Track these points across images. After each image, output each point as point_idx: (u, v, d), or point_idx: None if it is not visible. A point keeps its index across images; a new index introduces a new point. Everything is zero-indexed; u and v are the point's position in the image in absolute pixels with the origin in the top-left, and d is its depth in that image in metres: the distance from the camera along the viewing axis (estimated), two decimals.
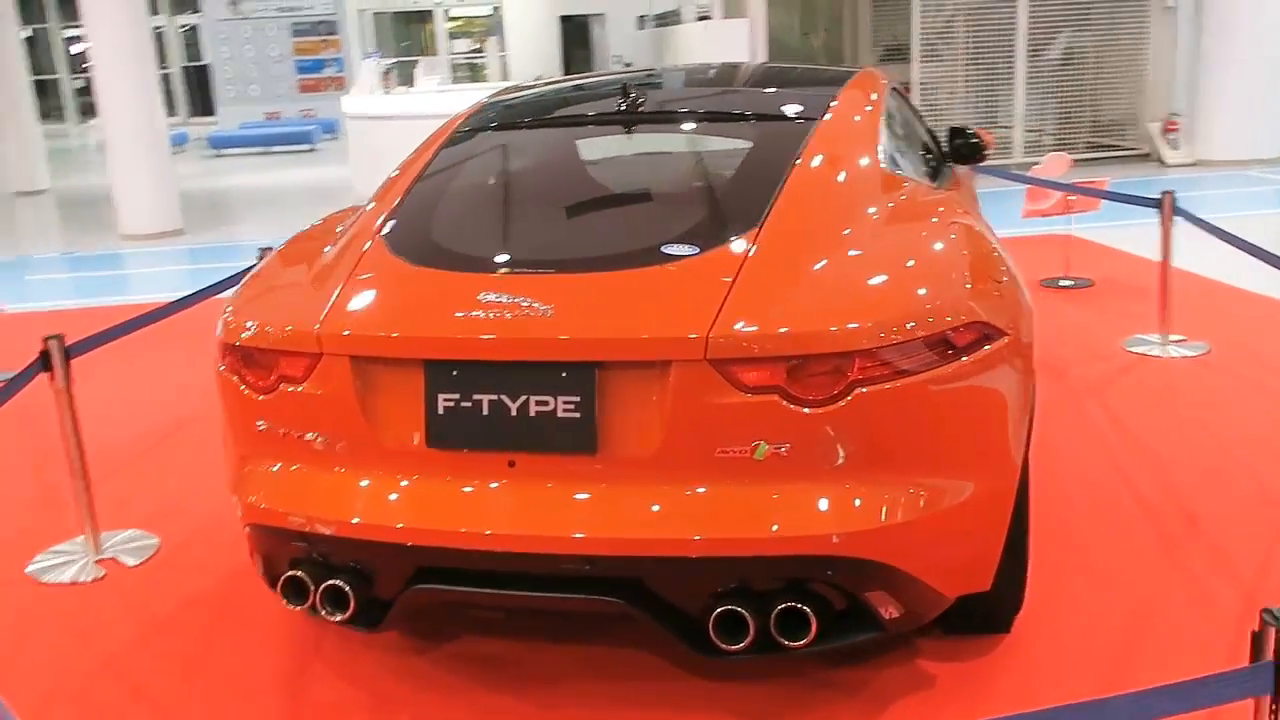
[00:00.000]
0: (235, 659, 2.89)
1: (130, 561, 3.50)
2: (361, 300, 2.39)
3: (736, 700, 2.60)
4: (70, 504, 3.55)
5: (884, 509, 2.21)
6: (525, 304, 2.22)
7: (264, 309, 2.46)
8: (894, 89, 3.90)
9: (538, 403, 2.19)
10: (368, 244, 2.59)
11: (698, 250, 2.35)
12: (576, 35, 18.05)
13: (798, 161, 2.70)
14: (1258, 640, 1.47)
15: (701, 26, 11.04)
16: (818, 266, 2.32)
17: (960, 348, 2.29)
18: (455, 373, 2.23)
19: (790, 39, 14.95)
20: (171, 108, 27.75)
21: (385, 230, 2.65)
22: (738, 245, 2.35)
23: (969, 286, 2.43)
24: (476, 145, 3.10)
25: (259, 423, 2.45)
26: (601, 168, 3.03)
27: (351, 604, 2.37)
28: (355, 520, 2.31)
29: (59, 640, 3.06)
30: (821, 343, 2.10)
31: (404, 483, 2.31)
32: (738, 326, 2.11)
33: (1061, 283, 6.56)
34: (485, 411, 2.22)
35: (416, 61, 17.02)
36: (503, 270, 2.37)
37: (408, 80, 17.02)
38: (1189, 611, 2.91)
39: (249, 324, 2.41)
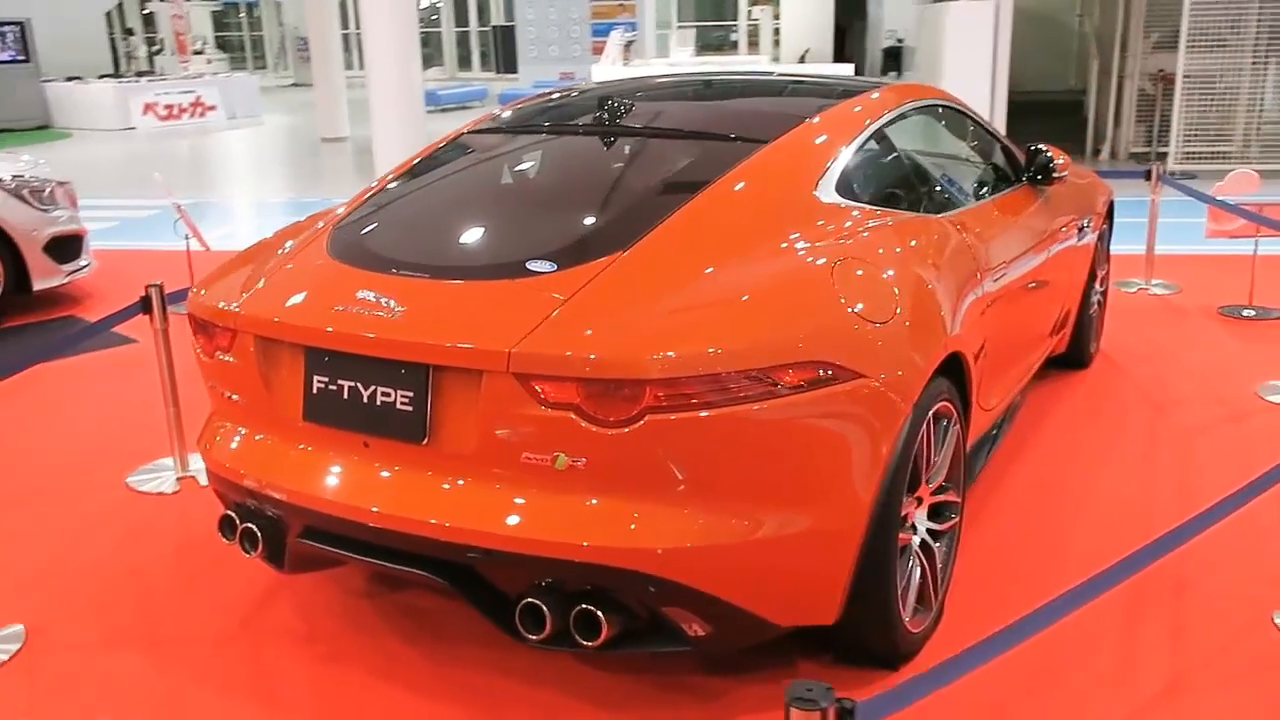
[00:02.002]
0: (229, 580, 3.37)
1: (204, 481, 4.09)
2: (276, 287, 2.74)
3: (593, 687, 2.77)
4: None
5: (677, 530, 2.31)
6: (385, 304, 2.49)
7: (217, 285, 2.86)
8: (938, 108, 3.82)
9: (382, 393, 2.46)
10: (316, 238, 2.94)
11: (555, 268, 2.51)
12: (853, 6, 17.67)
13: (708, 187, 2.78)
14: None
15: (949, 8, 10.63)
16: (656, 295, 2.42)
17: (785, 385, 2.32)
18: (326, 359, 2.54)
19: (1068, 20, 14.05)
20: (484, 64, 29.84)
21: (336, 225, 3.00)
22: (592, 267, 2.48)
23: (824, 325, 2.45)
24: (449, 153, 3.38)
25: (210, 382, 2.88)
26: (531, 181, 3.22)
27: (260, 546, 2.75)
28: (258, 478, 2.69)
29: (117, 540, 3.68)
30: (611, 369, 2.22)
31: (290, 450, 2.65)
32: (541, 345, 2.27)
33: (1244, 312, 5.98)
34: (345, 396, 2.51)
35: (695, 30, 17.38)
36: (392, 270, 2.64)
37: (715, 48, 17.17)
38: (1094, 699, 2.77)
39: (200, 296, 2.83)
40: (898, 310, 2.62)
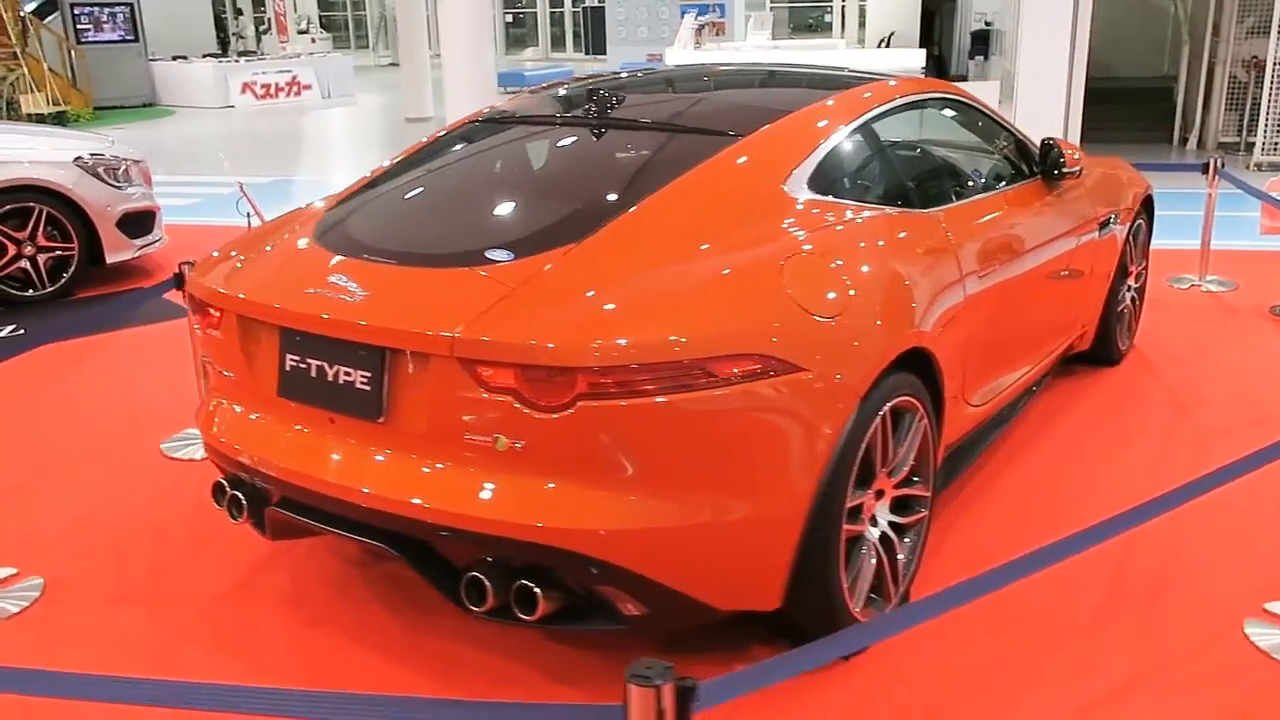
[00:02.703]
0: (236, 543, 3.55)
1: None
2: (260, 269, 2.90)
3: (549, 660, 2.89)
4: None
5: (613, 514, 2.39)
6: (351, 288, 2.62)
7: (212, 265, 3.04)
8: (941, 102, 3.80)
9: (344, 372, 2.60)
10: (308, 222, 3.10)
11: (512, 257, 2.62)
12: None
13: (672, 181, 2.85)
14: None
15: None
16: (602, 286, 2.50)
17: (721, 377, 2.39)
18: (298, 338, 2.68)
19: (1164, 4, 13.59)
20: (578, 45, 30.05)
21: (328, 211, 3.15)
22: (545, 258, 2.58)
23: (766, 319, 2.50)
24: (442, 143, 3.51)
25: (205, 358, 3.06)
26: (507, 173, 3.31)
27: (245, 513, 2.92)
28: (240, 449, 2.85)
29: (143, 502, 3.91)
30: (544, 356, 2.31)
31: (267, 424, 2.82)
32: (483, 332, 2.37)
33: None
34: (313, 374, 2.66)
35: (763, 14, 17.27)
36: (364, 256, 2.77)
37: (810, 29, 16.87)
38: (1046, 692, 2.79)
39: (196, 276, 3.00)
40: (848, 305, 2.66)
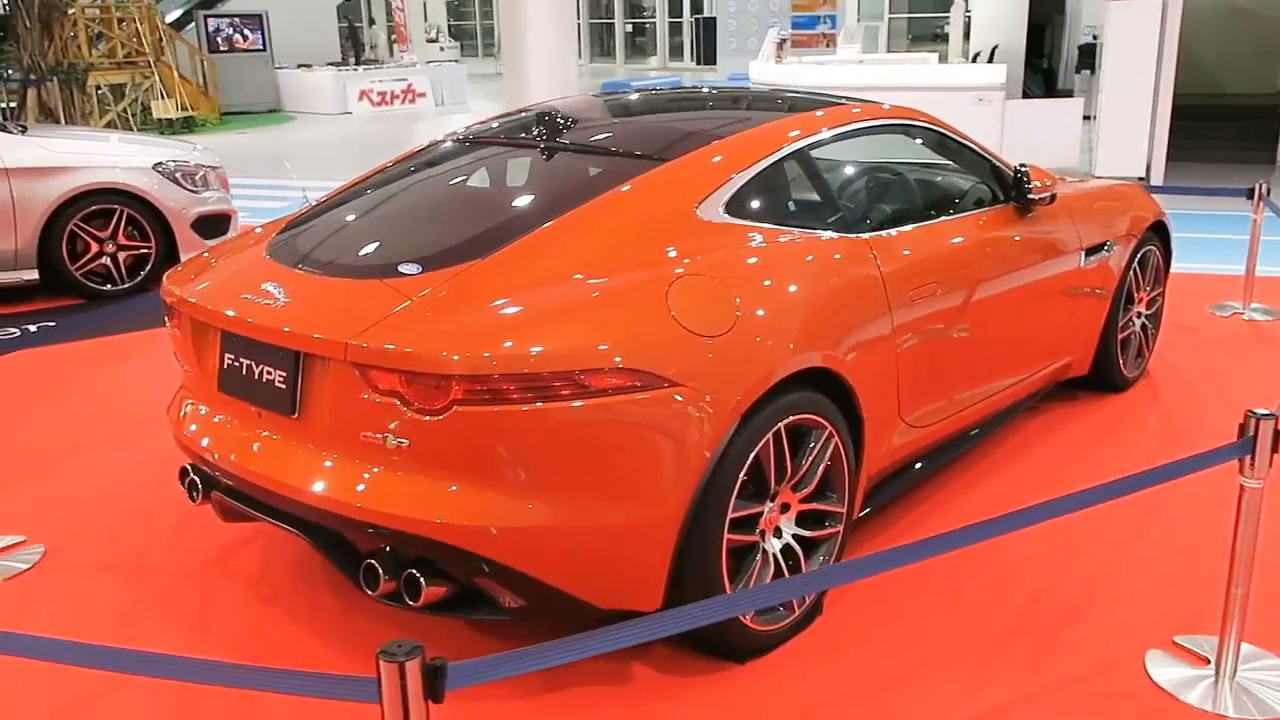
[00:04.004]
0: (219, 524, 3.86)
1: None
2: (215, 275, 3.19)
3: (470, 647, 3.08)
4: None
5: (485, 510, 2.58)
6: (278, 294, 2.88)
7: (182, 271, 3.34)
8: (903, 128, 3.86)
9: (267, 371, 2.85)
10: (268, 234, 3.37)
11: (419, 270, 2.82)
12: (1054, 2, 16.98)
13: (585, 202, 3.01)
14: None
15: (1111, 7, 10.13)
16: (494, 299, 2.69)
17: (594, 388, 2.55)
18: (233, 339, 2.95)
19: (1267, 12, 13.08)
20: (692, 56, 30.30)
21: (287, 222, 3.42)
22: (449, 272, 2.77)
23: (643, 335, 2.65)
24: (401, 162, 3.75)
25: (175, 356, 3.36)
26: (442, 191, 3.51)
27: (201, 496, 3.20)
28: (194, 438, 3.14)
29: (151, 484, 4.26)
30: (420, 363, 2.51)
31: (211, 416, 3.10)
32: (375, 339, 2.58)
33: None
34: (244, 372, 2.92)
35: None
36: (297, 266, 3.02)
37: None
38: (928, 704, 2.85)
39: (167, 281, 3.30)
40: (734, 325, 2.78)
